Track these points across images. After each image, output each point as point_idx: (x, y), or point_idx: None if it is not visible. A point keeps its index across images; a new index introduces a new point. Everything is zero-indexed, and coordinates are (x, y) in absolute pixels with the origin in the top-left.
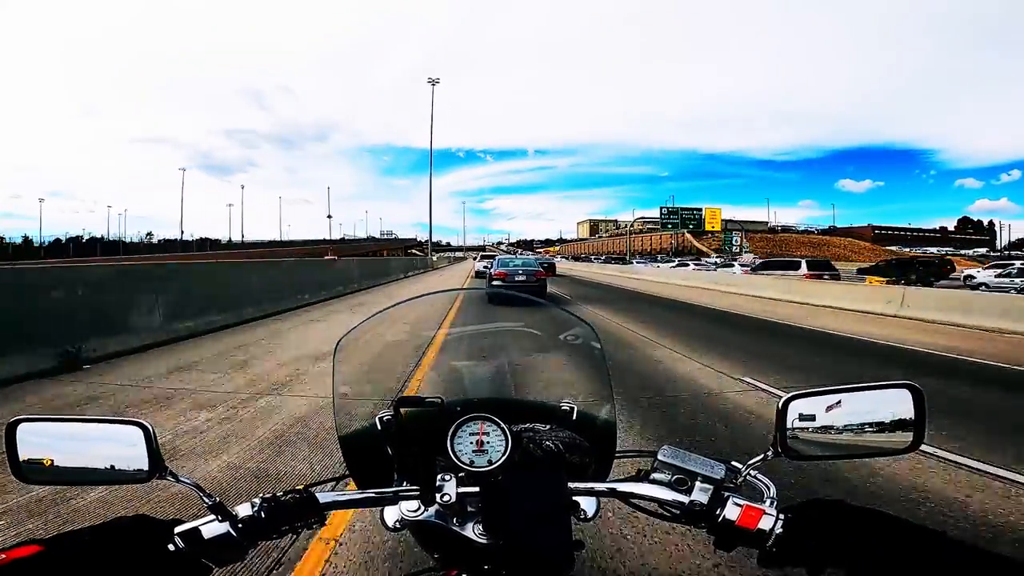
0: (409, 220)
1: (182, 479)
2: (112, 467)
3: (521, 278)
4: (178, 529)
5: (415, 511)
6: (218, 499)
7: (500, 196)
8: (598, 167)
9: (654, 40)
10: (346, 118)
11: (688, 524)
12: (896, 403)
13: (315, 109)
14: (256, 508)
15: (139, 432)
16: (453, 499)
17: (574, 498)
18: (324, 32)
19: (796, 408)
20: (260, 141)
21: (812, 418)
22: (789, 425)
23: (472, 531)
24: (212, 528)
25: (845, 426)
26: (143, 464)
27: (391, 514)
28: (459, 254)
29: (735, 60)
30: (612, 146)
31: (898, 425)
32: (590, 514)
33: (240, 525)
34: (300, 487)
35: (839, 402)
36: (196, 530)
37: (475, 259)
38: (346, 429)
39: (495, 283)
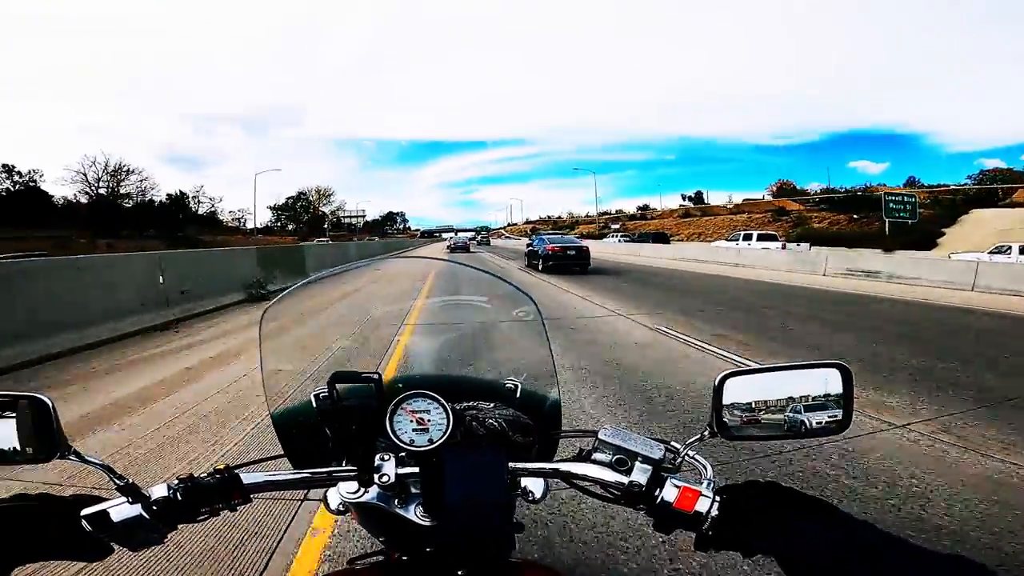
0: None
1: (89, 458)
2: (7, 446)
3: (460, 244)
4: (84, 511)
5: (355, 492)
6: (130, 480)
7: (489, 186)
8: (589, 155)
9: (635, 26)
10: (319, 107)
11: (628, 505)
12: (826, 382)
13: (285, 98)
14: (172, 490)
15: (37, 407)
16: (392, 480)
17: (518, 479)
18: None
19: (731, 386)
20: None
21: (747, 397)
22: (725, 404)
23: (414, 512)
24: (122, 511)
25: (779, 406)
26: (43, 442)
27: (334, 496)
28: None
29: (719, 45)
30: (604, 132)
31: (828, 404)
32: (538, 495)
33: (154, 508)
34: (222, 467)
35: (772, 380)
36: (104, 512)
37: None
38: (279, 407)
39: (448, 246)
